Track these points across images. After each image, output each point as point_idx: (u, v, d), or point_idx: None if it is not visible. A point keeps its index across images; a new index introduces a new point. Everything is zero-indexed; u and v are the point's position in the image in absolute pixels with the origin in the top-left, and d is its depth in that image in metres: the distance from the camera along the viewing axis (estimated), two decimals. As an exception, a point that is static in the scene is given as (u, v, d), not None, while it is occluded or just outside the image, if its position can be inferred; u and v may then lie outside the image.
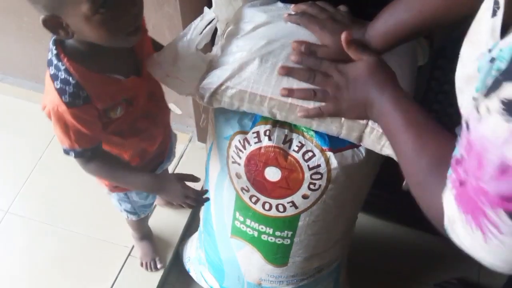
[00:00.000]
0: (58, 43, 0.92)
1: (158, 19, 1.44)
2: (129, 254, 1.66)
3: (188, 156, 1.92)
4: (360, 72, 0.89)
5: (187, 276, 1.64)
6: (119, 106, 1.01)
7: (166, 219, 1.75)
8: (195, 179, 1.12)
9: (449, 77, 1.30)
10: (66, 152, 1.00)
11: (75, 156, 1.01)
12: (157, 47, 1.10)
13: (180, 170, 1.86)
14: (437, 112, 1.41)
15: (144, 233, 1.63)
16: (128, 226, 1.57)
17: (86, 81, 0.92)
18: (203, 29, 0.98)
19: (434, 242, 1.82)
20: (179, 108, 1.85)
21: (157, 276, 1.62)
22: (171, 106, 1.84)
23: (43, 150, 1.92)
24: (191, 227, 1.75)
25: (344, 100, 0.91)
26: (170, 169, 1.87)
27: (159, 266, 1.62)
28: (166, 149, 1.31)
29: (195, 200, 1.09)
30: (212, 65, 1.01)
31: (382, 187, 1.68)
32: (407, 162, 0.75)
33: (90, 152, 1.01)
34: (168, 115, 1.25)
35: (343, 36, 0.88)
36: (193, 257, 1.57)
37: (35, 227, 1.74)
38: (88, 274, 1.64)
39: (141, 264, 1.63)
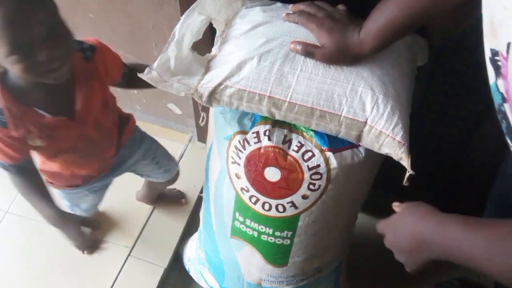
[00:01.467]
0: (3, 72, 0.96)
1: (159, 19, 1.44)
2: (129, 254, 1.66)
3: (188, 156, 1.92)
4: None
5: (187, 276, 1.64)
6: (38, 139, 1.04)
7: (165, 220, 1.75)
8: (96, 226, 1.25)
9: (449, 78, 1.31)
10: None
11: (2, 167, 1.06)
12: (132, 67, 1.16)
13: (180, 170, 1.86)
14: (437, 113, 1.40)
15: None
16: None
17: (7, 108, 0.96)
18: (190, 29, 0.99)
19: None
20: (178, 108, 1.85)
21: (157, 276, 1.62)
22: (171, 106, 1.84)
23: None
24: (191, 227, 1.75)
25: None
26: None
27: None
28: (119, 143, 1.31)
29: (83, 246, 1.40)
30: (210, 65, 1.01)
31: (383, 186, 1.68)
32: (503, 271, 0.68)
33: (15, 168, 1.06)
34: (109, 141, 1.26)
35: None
36: (193, 257, 1.57)
37: (34, 227, 1.74)
38: (88, 274, 1.65)
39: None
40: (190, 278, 1.63)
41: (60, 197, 1.37)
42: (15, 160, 1.06)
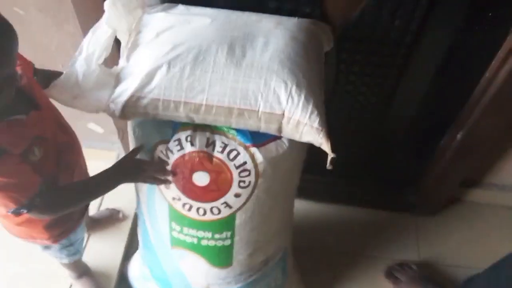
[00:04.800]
0: None
1: (61, 38, 1.39)
2: (71, 285, 1.59)
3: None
4: None
5: (136, 295, 1.60)
6: (35, 147, 0.95)
7: (104, 242, 1.69)
8: (139, 148, 1.08)
9: (356, 58, 1.36)
10: (17, 212, 0.93)
11: (29, 211, 0.93)
12: (45, 74, 1.06)
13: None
14: (350, 93, 1.46)
15: (81, 269, 1.55)
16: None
17: None
18: (99, 43, 0.95)
19: (371, 216, 1.92)
20: (100, 127, 1.79)
21: (105, 301, 1.57)
22: (91, 125, 1.78)
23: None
24: (131, 247, 1.69)
25: None
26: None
27: None
28: None
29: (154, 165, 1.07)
30: (120, 78, 0.98)
31: (313, 171, 1.73)
32: None
33: (38, 198, 0.93)
34: (78, 141, 1.20)
35: None
36: (138, 275, 1.53)
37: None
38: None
39: None
40: (139, 297, 1.60)
41: (59, 253, 1.29)
42: (34, 188, 0.93)
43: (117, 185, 1.06)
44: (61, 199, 1.00)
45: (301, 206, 1.84)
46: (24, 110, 0.94)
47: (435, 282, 1.67)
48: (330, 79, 1.33)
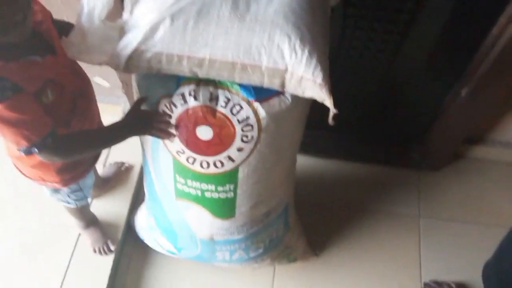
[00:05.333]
0: None
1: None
2: (80, 234, 1.64)
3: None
4: None
5: (143, 244, 1.66)
6: (48, 89, 0.98)
7: (112, 193, 1.74)
8: (143, 99, 1.09)
9: (362, 12, 1.34)
10: (28, 151, 0.96)
11: (40, 150, 0.96)
12: (60, 25, 1.07)
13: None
14: (356, 48, 1.45)
15: (89, 219, 1.60)
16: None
17: (6, 72, 0.89)
18: None
19: (374, 172, 1.95)
20: (106, 81, 1.80)
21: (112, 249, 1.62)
22: (97, 79, 1.78)
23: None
24: (138, 198, 1.74)
25: None
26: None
27: (112, 247, 1.61)
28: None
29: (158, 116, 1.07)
30: (123, 31, 0.98)
31: (317, 126, 1.74)
32: None
33: (50, 139, 0.96)
34: (92, 87, 1.22)
35: None
36: (145, 225, 1.58)
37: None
38: (42, 257, 1.62)
39: (94, 251, 1.61)
40: (146, 246, 1.66)
41: (67, 197, 1.33)
42: (46, 127, 0.96)
43: (125, 138, 1.09)
44: (71, 144, 1.03)
45: (304, 161, 1.87)
46: (41, 53, 0.96)
47: None
48: (337, 33, 1.32)
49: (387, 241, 1.80)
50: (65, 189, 1.29)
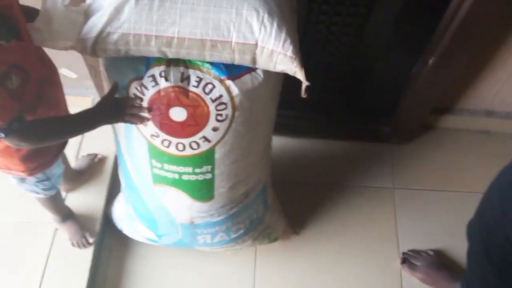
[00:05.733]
0: None
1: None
2: (56, 229, 1.61)
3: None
4: None
5: (122, 235, 1.64)
6: (12, 74, 0.94)
7: (86, 191, 1.71)
8: (116, 87, 1.07)
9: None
10: None
11: (6, 135, 0.93)
12: (26, 11, 1.03)
13: (92, 133, 1.78)
14: (321, 32, 1.45)
15: (65, 213, 1.57)
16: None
17: None
18: None
19: (347, 148, 1.97)
20: (73, 72, 1.76)
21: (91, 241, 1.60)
22: (64, 71, 1.74)
23: None
24: (114, 189, 1.71)
25: None
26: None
27: (90, 240, 1.59)
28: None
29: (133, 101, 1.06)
30: (88, 14, 0.96)
31: (289, 106, 1.75)
32: None
33: (17, 123, 0.93)
34: (59, 76, 1.20)
35: None
36: (123, 215, 1.56)
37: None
38: (19, 254, 1.59)
39: (72, 245, 1.58)
40: (125, 237, 1.64)
41: (35, 187, 1.30)
42: (12, 112, 0.92)
43: (97, 125, 1.07)
44: (39, 130, 1.01)
45: (279, 141, 1.87)
46: (5, 38, 0.93)
47: (450, 268, 1.67)
48: (302, 17, 1.33)
49: (364, 215, 1.83)
50: (31, 179, 1.26)
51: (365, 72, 1.75)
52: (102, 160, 1.75)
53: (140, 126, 1.11)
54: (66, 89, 1.76)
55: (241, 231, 1.48)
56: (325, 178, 1.90)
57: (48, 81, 1.10)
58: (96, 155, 1.75)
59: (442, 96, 1.74)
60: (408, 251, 1.74)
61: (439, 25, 1.39)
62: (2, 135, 0.92)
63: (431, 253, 1.72)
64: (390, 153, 1.98)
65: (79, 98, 1.86)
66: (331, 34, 1.47)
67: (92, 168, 1.72)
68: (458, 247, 1.70)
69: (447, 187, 1.91)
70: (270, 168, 1.49)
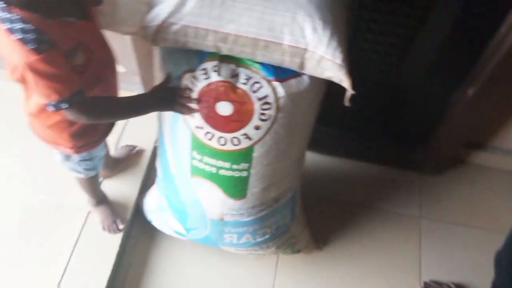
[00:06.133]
0: None
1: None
2: (89, 212, 1.67)
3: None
4: None
5: (150, 227, 1.69)
6: (79, 51, 1.02)
7: (121, 180, 1.77)
8: (170, 77, 1.13)
9: (378, 5, 1.39)
10: (57, 106, 0.99)
11: (69, 106, 1.00)
12: None
13: (133, 126, 1.89)
14: (369, 41, 1.50)
15: (100, 197, 1.64)
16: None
17: (44, 26, 0.93)
18: None
19: (378, 171, 1.99)
20: (122, 66, 1.84)
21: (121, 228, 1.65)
22: (114, 64, 1.83)
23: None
24: (148, 182, 1.77)
25: None
26: (122, 124, 1.89)
27: (120, 226, 1.64)
28: None
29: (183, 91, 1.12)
30: (153, 4, 1.03)
31: (324, 123, 1.78)
32: None
33: (79, 97, 1.00)
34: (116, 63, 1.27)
35: None
36: (155, 207, 1.61)
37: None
38: (49, 233, 1.65)
39: (103, 228, 1.65)
40: (153, 229, 1.69)
41: (77, 166, 1.37)
42: (77, 84, 1.00)
43: (149, 110, 1.14)
44: (98, 106, 1.08)
45: (311, 157, 1.91)
46: (77, 15, 1.01)
47: None
48: (351, 25, 1.37)
49: (389, 239, 1.83)
50: (76, 156, 1.32)
51: (403, 96, 1.78)
52: (140, 152, 1.82)
53: (187, 117, 1.16)
54: (114, 82, 1.84)
55: (267, 236, 1.51)
56: (353, 198, 1.92)
57: (108, 65, 1.18)
58: (134, 146, 1.82)
59: (478, 130, 1.75)
60: (430, 280, 1.73)
61: (482, 54, 1.41)
62: (65, 105, 0.99)
63: (452, 286, 1.71)
64: (420, 182, 1.98)
65: (125, 93, 1.94)
66: (375, 53, 1.51)
67: (129, 159, 1.79)
68: (480, 284, 1.68)
69: (474, 224, 1.90)
70: (301, 179, 1.52)
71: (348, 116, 1.90)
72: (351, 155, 1.96)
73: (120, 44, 1.70)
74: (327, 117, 1.80)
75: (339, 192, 1.93)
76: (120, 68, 1.85)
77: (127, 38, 1.68)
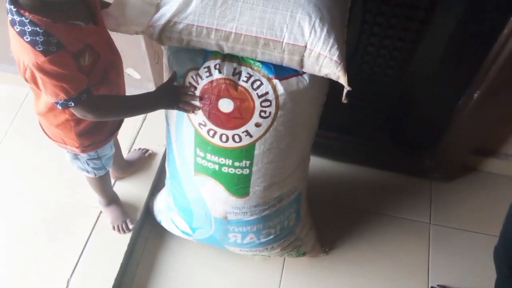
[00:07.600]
0: (14, 1, 0.97)
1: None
2: (101, 212, 1.73)
3: (150, 117, 1.99)
4: None
5: (159, 227, 1.73)
6: (86, 53, 1.08)
7: (132, 182, 1.82)
8: (175, 76, 1.18)
9: (381, 9, 1.43)
10: (65, 105, 1.05)
11: (76, 104, 1.05)
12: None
13: (145, 129, 1.96)
14: (374, 45, 1.53)
15: (111, 197, 1.69)
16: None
17: (52, 29, 0.98)
18: None
19: (386, 177, 1.99)
20: (137, 73, 1.91)
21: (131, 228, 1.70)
22: (129, 71, 1.90)
23: (10, 122, 1.99)
24: (158, 184, 1.83)
25: None
26: (135, 129, 1.94)
27: (130, 226, 1.69)
28: None
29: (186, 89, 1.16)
30: (160, 5, 1.08)
31: (333, 129, 1.81)
32: None
33: (85, 95, 1.06)
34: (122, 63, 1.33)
35: None
36: (163, 207, 1.65)
37: (6, 198, 1.80)
38: (60, 233, 1.71)
39: (113, 228, 1.69)
40: (162, 229, 1.73)
41: (86, 164, 1.41)
42: (83, 83, 1.05)
43: (154, 109, 1.19)
44: (104, 103, 1.13)
45: (319, 162, 1.93)
46: (85, 21, 1.07)
47: None
48: (354, 36, 1.40)
49: (397, 245, 1.83)
50: (84, 156, 1.37)
51: (410, 102, 1.79)
52: (152, 156, 1.87)
53: (191, 114, 1.21)
54: (129, 89, 1.92)
55: (271, 237, 1.53)
56: (361, 203, 1.93)
57: (114, 66, 1.23)
58: (147, 150, 1.88)
59: (486, 136, 1.75)
60: (438, 285, 1.72)
61: (486, 57, 1.43)
62: (72, 103, 1.05)
63: None
64: (430, 189, 1.98)
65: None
66: (380, 57, 1.54)
67: (141, 161, 1.84)
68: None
69: (484, 231, 1.88)
70: (306, 181, 1.54)
71: (358, 123, 1.92)
72: (358, 161, 1.98)
73: (135, 52, 1.78)
74: (339, 124, 1.84)
75: (346, 197, 1.94)
76: (135, 75, 1.93)
77: (142, 46, 1.75)
